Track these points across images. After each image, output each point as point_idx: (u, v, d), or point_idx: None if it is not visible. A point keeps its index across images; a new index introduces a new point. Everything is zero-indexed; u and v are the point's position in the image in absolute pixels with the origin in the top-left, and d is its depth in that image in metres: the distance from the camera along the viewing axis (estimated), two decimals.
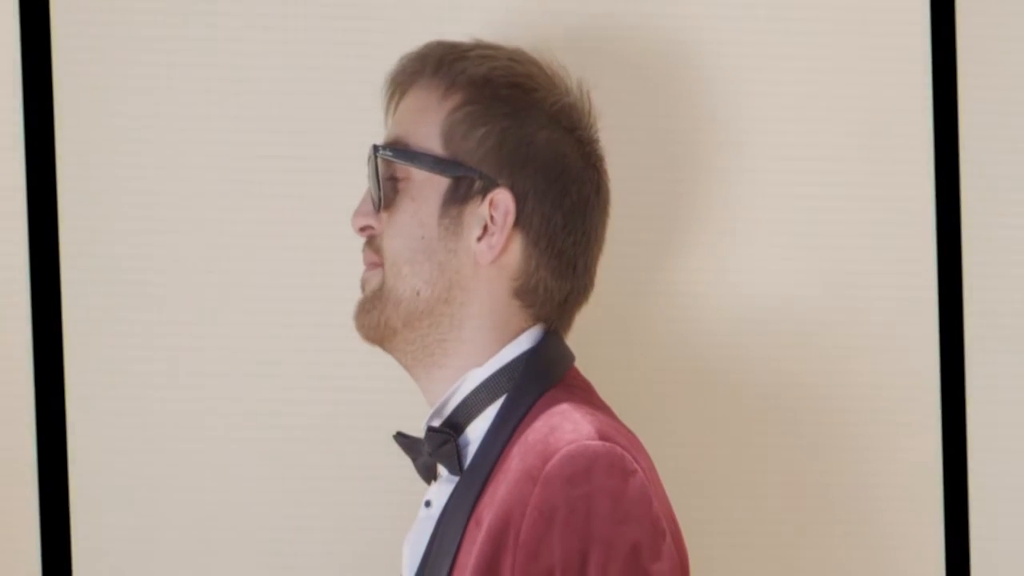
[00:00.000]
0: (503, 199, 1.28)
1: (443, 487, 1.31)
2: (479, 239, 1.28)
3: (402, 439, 1.30)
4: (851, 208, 1.56)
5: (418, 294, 1.28)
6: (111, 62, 1.56)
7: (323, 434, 1.53)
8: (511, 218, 1.28)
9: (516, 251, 1.29)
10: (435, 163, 1.28)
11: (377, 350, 1.36)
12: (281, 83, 1.54)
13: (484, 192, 1.28)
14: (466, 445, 1.32)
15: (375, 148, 1.31)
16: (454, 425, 1.30)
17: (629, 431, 1.31)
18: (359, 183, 1.40)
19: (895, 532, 1.58)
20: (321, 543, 1.56)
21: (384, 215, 1.29)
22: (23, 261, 1.57)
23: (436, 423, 1.29)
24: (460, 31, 1.40)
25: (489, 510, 1.27)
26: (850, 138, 1.56)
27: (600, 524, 1.25)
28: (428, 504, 1.32)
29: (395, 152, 1.29)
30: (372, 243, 1.31)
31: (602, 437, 1.26)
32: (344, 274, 1.43)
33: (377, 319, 1.30)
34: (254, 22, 1.55)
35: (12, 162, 1.56)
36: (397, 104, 1.37)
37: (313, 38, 1.53)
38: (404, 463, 1.38)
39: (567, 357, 1.32)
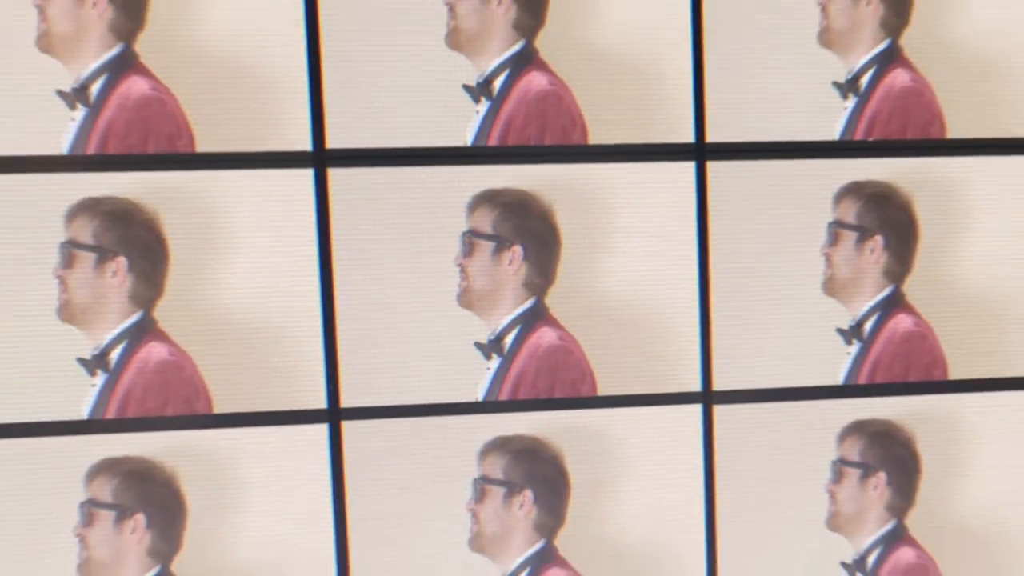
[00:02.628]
0: (518, 249, 1.86)
1: (495, 362, 1.86)
2: (508, 265, 1.86)
3: (478, 344, 1.85)
4: (676, 248, 1.87)
5: (482, 289, 1.86)
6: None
7: (449, 340, 1.86)
8: (520, 256, 1.86)
9: (523, 269, 1.87)
10: (488, 237, 1.86)
11: (467, 311, 1.87)
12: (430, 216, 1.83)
13: (509, 247, 1.86)
14: (505, 346, 1.87)
15: (463, 233, 1.84)
16: (500, 338, 1.87)
17: (572, 336, 1.88)
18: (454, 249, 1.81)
19: (666, 358, 1.90)
20: (441, 385, 1.85)
21: (467, 259, 1.86)
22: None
23: (491, 337, 1.86)
24: (498, 184, 1.85)
25: (515, 369, 1.88)
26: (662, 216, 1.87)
27: (560, 373, 1.87)
28: (489, 369, 1.86)
29: (473, 234, 1.86)
30: (464, 271, 1.85)
31: (561, 340, 1.88)
32: (452, 286, 1.85)
33: (466, 300, 1.87)
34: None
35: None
36: (472, 213, 1.85)
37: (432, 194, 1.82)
38: (479, 356, 1.87)
39: (545, 309, 1.87)
